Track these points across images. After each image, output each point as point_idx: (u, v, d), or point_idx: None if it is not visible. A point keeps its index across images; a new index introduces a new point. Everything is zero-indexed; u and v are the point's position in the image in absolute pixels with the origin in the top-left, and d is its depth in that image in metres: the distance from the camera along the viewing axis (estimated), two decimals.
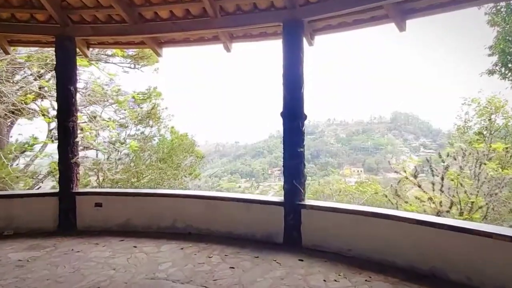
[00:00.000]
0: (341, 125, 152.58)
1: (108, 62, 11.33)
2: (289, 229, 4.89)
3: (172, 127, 14.32)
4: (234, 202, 5.38)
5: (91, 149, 11.34)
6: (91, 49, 7.05)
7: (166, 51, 6.50)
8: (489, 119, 10.63)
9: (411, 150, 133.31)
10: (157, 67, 11.77)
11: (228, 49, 6.00)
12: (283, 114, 4.98)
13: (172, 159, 12.84)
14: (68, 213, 5.81)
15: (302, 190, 4.87)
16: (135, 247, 4.95)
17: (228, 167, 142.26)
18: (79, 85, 9.25)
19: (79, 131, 9.71)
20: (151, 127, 13.68)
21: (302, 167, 4.89)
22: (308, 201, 5.00)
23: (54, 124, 9.74)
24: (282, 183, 4.98)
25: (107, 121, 8.47)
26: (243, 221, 5.23)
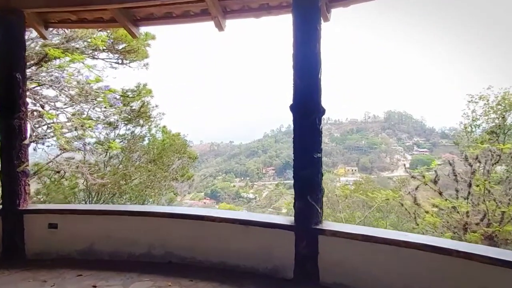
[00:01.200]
0: (335, 124, 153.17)
1: (96, 58, 10.13)
2: (302, 260, 3.67)
3: (164, 127, 13.27)
4: (228, 223, 4.08)
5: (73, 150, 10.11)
6: (50, 29, 5.72)
7: (149, 35, 5.23)
8: (502, 117, 9.75)
9: (405, 149, 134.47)
10: (147, 63, 10.76)
11: (220, 27, 4.72)
12: (293, 108, 3.66)
13: (163, 160, 11.68)
14: (13, 236, 4.50)
15: (319, 210, 3.60)
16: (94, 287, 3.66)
17: (222, 167, 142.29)
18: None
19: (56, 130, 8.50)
20: (141, 126, 12.58)
21: (319, 179, 3.62)
22: (327, 224, 3.74)
23: None
24: (293, 201, 3.77)
25: (81, 120, 7.27)
26: (240, 248, 4.00)
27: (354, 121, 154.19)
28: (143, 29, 6.03)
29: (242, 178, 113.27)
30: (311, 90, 3.55)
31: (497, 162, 7.68)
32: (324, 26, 3.81)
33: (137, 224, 4.45)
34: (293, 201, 3.73)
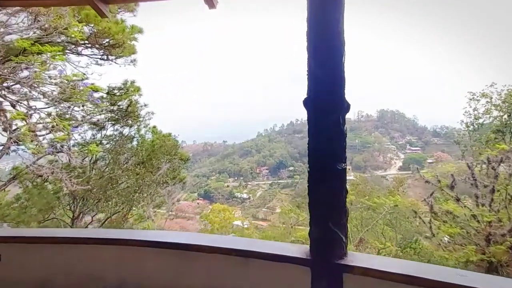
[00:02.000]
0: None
1: (80, 54, 9.54)
2: None
3: (154, 127, 12.71)
4: (222, 254, 3.08)
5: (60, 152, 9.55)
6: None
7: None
8: (509, 115, 9.45)
9: (398, 148, 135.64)
10: (134, 58, 10.05)
11: (211, 3, 4.04)
12: (308, 103, 2.75)
13: (152, 162, 11.15)
14: None
15: (344, 239, 2.62)
16: None
17: (216, 167, 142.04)
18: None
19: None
20: (130, 126, 12.03)
21: (343, 197, 2.66)
22: (354, 257, 2.65)
23: None
24: (308, 228, 2.77)
25: (55, 120, 6.66)
26: None
27: (347, 120, 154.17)
28: (129, 22, 5.62)
29: (236, 178, 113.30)
30: (333, 80, 2.62)
31: None
32: None
33: (105, 255, 3.44)
34: (309, 227, 2.75)
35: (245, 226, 58.17)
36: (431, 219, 6.33)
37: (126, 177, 10.47)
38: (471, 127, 10.47)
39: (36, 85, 6.99)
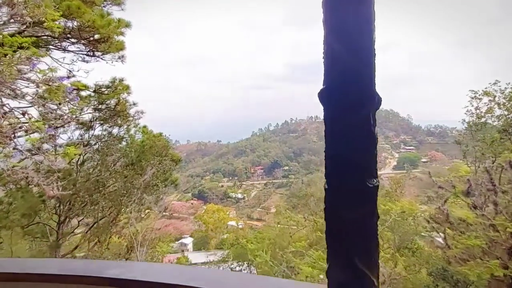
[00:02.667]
0: (323, 123, 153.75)
1: (66, 50, 8.97)
2: None
3: (144, 127, 12.10)
4: None
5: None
6: None
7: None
8: None
9: (392, 147, 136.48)
10: (123, 55, 9.38)
11: None
12: (325, 96, 1.91)
13: (141, 164, 10.59)
14: None
15: (375, 282, 1.96)
16: None
17: (210, 166, 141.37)
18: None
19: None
20: (119, 126, 11.47)
21: (375, 225, 1.95)
22: None
23: None
24: (326, 265, 1.75)
25: (30, 120, 6.12)
26: None
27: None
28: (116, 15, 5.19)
29: (230, 178, 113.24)
30: (361, 64, 1.93)
31: None
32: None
33: None
34: (327, 266, 1.99)
35: (240, 226, 57.78)
36: (446, 230, 5.63)
37: (114, 179, 9.89)
38: (474, 126, 10.13)
39: (3, 80, 6.45)
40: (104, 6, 8.42)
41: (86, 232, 9.71)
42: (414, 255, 13.88)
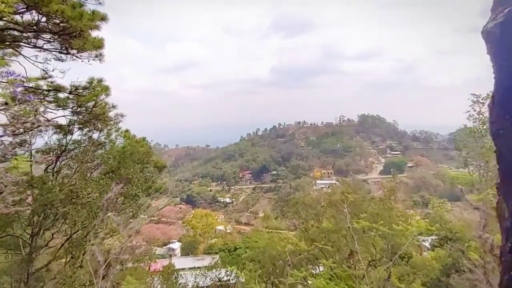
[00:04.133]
0: (311, 128, 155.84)
1: (37, 47, 8.28)
2: None
3: (126, 131, 11.43)
4: None
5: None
6: None
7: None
8: None
9: (379, 152, 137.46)
10: (101, 53, 8.66)
11: None
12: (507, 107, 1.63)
13: (120, 172, 9.85)
14: None
15: None
16: None
17: (199, 171, 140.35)
18: None
19: None
20: (100, 131, 10.81)
21: None
22: None
23: None
24: None
25: None
26: None
27: (329, 125, 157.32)
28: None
29: (219, 182, 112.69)
30: None
31: None
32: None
33: None
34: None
35: (228, 231, 57.23)
36: (483, 258, 4.82)
37: (90, 189, 8.98)
38: (477, 132, 9.61)
39: None
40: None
41: (59, 248, 8.95)
42: (408, 264, 13.77)
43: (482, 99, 8.83)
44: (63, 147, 9.81)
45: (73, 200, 8.19)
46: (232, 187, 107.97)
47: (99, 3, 8.46)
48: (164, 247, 45.31)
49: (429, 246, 18.82)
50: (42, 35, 7.56)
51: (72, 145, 10.44)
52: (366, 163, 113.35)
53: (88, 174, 9.63)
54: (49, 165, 9.55)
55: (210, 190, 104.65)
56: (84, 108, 9.91)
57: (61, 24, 7.21)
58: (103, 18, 7.78)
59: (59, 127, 9.75)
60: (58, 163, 9.44)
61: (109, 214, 8.42)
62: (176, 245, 45.68)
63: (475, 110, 9.01)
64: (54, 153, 10.21)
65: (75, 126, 10.19)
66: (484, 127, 8.74)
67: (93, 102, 8.94)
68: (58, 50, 8.36)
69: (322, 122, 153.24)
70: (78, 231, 8.57)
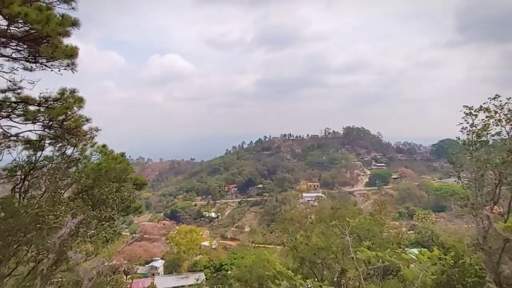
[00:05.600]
0: (297, 141, 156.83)
1: (2, 56, 7.51)
2: None
3: (103, 146, 10.54)
4: None
5: None
6: None
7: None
8: None
9: (364, 164, 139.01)
10: (73, 62, 7.89)
11: None
12: None
13: (94, 192, 8.91)
14: None
15: None
16: None
17: (183, 185, 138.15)
18: None
19: None
20: (74, 146, 9.90)
21: None
22: None
23: None
24: None
25: None
26: None
27: (315, 137, 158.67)
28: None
29: (204, 197, 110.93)
30: None
31: None
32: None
33: None
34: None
35: (214, 247, 55.82)
36: None
37: (59, 212, 7.83)
38: (472, 145, 9.23)
39: None
40: (49, 3, 7.00)
41: (25, 276, 7.84)
42: (398, 279, 13.34)
43: (475, 111, 8.54)
44: (33, 165, 8.95)
45: (39, 225, 7.20)
46: (218, 201, 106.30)
47: (72, 8, 7.85)
48: (147, 265, 43.63)
49: (414, 257, 18.46)
50: (10, 44, 6.82)
51: (42, 162, 9.57)
52: (351, 175, 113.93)
53: (59, 195, 8.65)
54: (16, 185, 8.69)
55: (195, 205, 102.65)
56: (56, 122, 9.14)
57: (23, 29, 6.49)
58: (74, 24, 7.09)
59: (28, 143, 8.94)
60: (27, 182, 8.53)
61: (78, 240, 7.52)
62: (159, 263, 44.07)
63: (468, 122, 8.74)
64: (22, 171, 9.34)
65: (46, 141, 9.37)
66: (480, 140, 8.45)
67: (64, 115, 8.15)
68: (25, 59, 7.65)
69: (308, 134, 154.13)
70: (43, 259, 7.55)
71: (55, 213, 7.37)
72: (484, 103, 8.39)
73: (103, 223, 8.55)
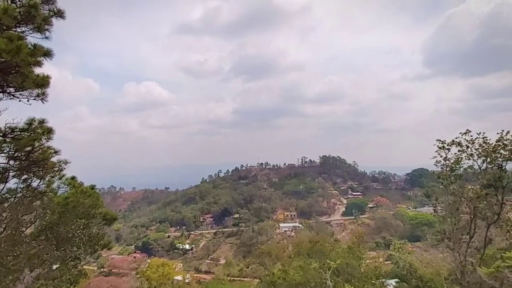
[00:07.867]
0: (274, 169, 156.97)
1: None
2: None
3: (72, 178, 9.96)
4: None
5: None
6: None
7: None
8: (500, 167, 8.53)
9: (340, 193, 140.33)
10: (43, 91, 7.55)
11: None
12: None
13: (59, 230, 8.23)
14: None
15: None
16: None
17: (156, 215, 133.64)
18: None
19: None
20: (41, 178, 9.30)
21: None
22: None
23: None
24: None
25: None
26: None
27: (291, 166, 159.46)
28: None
29: (178, 228, 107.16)
30: None
31: None
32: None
33: None
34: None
35: (187, 281, 53.46)
36: None
37: (18, 252, 7.03)
38: (446, 179, 9.40)
39: None
40: (22, 32, 6.77)
41: None
42: None
43: (447, 145, 8.81)
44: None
45: None
46: (192, 232, 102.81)
47: (46, 37, 7.63)
48: None
49: None
50: None
51: (5, 196, 8.87)
52: (328, 204, 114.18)
53: (20, 233, 7.91)
54: None
55: (168, 237, 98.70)
56: (22, 153, 8.58)
57: None
58: (47, 54, 6.85)
59: None
60: None
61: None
62: None
63: (441, 156, 8.98)
64: None
65: (11, 173, 8.73)
66: (453, 173, 8.66)
67: (31, 146, 7.66)
68: None
69: (285, 163, 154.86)
70: None
71: (15, 253, 6.65)
72: (456, 138, 8.70)
73: (68, 262, 7.85)
